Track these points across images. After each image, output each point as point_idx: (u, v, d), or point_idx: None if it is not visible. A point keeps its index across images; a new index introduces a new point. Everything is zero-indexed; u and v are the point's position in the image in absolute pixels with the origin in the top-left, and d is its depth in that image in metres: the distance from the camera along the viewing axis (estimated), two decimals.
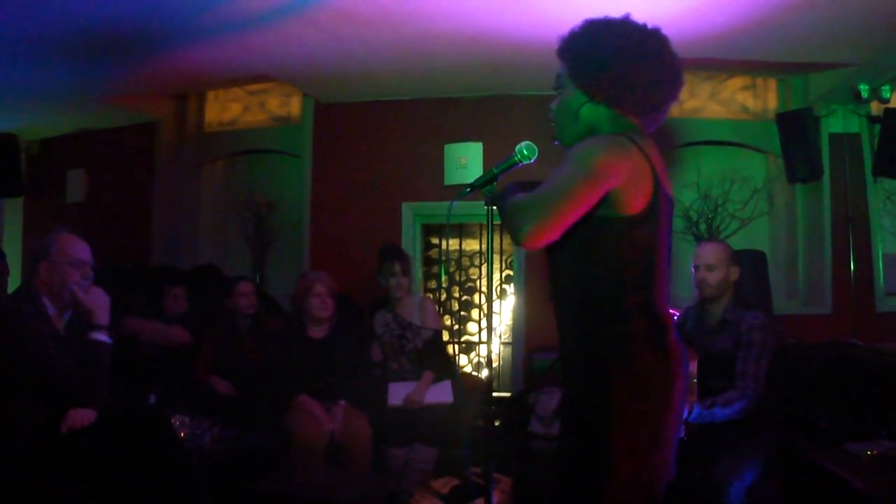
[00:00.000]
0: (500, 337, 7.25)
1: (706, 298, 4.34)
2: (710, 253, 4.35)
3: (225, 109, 7.91)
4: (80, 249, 3.84)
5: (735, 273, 4.34)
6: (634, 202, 2.28)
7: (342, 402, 5.10)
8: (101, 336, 3.75)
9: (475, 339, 7.37)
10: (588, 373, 2.36)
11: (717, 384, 4.06)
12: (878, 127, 6.05)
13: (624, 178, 2.26)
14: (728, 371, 4.08)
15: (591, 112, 2.48)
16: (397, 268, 5.49)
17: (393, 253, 5.57)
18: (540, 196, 2.22)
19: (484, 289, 7.24)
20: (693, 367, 4.01)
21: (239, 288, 5.78)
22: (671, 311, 2.45)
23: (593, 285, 2.35)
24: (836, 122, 6.51)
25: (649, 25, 2.47)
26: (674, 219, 2.51)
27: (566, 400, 2.58)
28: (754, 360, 4.04)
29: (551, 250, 2.51)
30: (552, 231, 2.21)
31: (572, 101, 2.50)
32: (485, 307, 7.05)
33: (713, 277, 4.28)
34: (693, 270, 4.39)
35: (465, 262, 7.43)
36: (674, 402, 2.31)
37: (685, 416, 3.90)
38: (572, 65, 2.49)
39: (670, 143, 6.61)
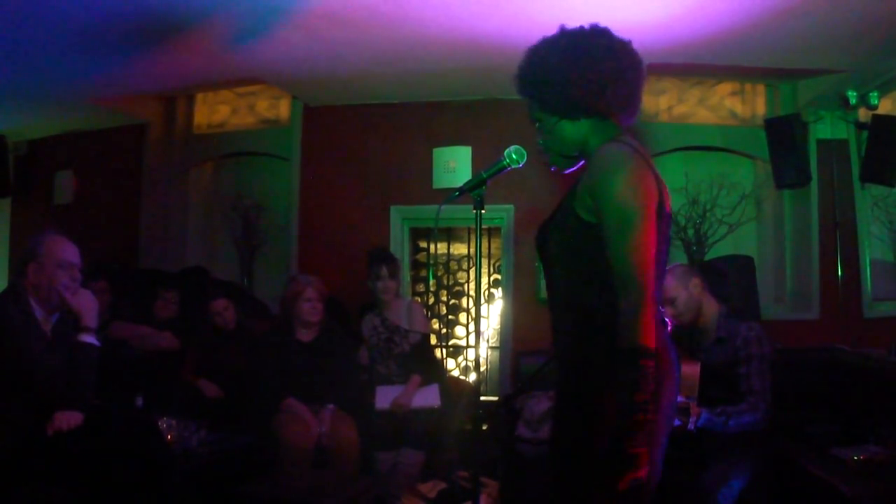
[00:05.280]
0: (487, 341, 7.25)
1: (687, 324, 4.30)
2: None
3: (213, 112, 7.90)
4: (69, 252, 3.82)
5: (697, 285, 4.26)
6: None
7: (330, 406, 5.10)
8: (89, 338, 3.74)
9: (463, 342, 7.37)
10: (580, 375, 2.36)
11: (716, 394, 4.05)
12: (865, 133, 6.05)
13: (655, 194, 2.29)
14: (727, 382, 4.08)
15: (574, 129, 2.48)
16: (385, 271, 5.47)
17: (381, 256, 5.56)
18: (623, 269, 2.19)
19: (472, 292, 7.24)
20: (695, 370, 4.03)
21: (212, 307, 5.74)
22: (663, 315, 2.45)
23: (585, 289, 2.35)
24: (824, 129, 6.53)
25: (588, 25, 2.47)
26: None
27: (558, 401, 2.58)
28: (758, 375, 4.02)
29: (545, 254, 2.52)
30: (653, 287, 2.20)
31: (553, 127, 2.50)
32: (472, 311, 7.08)
33: (679, 307, 4.23)
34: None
35: (453, 265, 7.44)
36: (663, 404, 2.31)
37: (693, 424, 3.92)
38: (538, 96, 2.49)
39: (659, 148, 6.62)
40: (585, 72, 2.37)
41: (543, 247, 2.55)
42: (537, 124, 2.56)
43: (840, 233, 6.45)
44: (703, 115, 6.89)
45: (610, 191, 2.25)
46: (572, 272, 2.40)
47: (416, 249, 7.53)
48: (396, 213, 7.12)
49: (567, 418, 2.46)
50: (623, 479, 2.11)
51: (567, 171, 2.60)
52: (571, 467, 2.37)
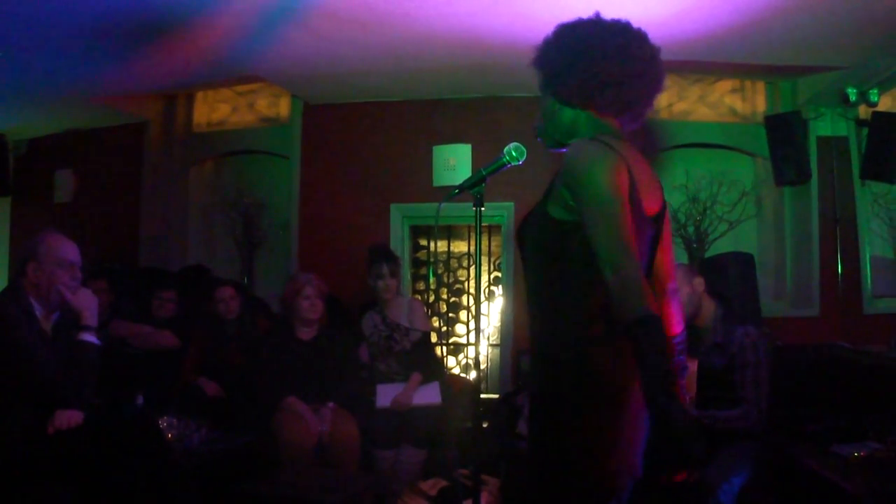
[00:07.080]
0: (488, 338, 7.25)
1: (687, 318, 4.28)
2: None
3: (213, 110, 7.89)
4: (69, 250, 3.82)
5: (700, 284, 4.27)
6: None
7: (330, 404, 5.10)
8: (89, 337, 3.74)
9: (463, 340, 7.37)
10: (547, 375, 2.37)
11: (712, 394, 4.09)
12: (865, 130, 6.06)
13: (625, 185, 2.27)
14: (724, 386, 4.10)
15: (569, 116, 2.48)
16: (386, 269, 5.47)
17: (382, 254, 5.56)
18: (609, 251, 2.16)
19: (472, 290, 7.22)
20: (693, 367, 4.06)
21: (218, 294, 5.73)
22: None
23: (556, 288, 2.36)
24: (824, 125, 6.53)
25: (620, 21, 2.45)
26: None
27: (532, 398, 2.59)
28: (751, 383, 4.03)
29: (523, 252, 2.52)
30: (638, 268, 2.18)
31: (548, 107, 2.52)
32: (473, 309, 7.06)
33: (682, 300, 4.22)
34: None
35: (454, 263, 7.43)
36: (631, 403, 2.28)
37: None
38: (543, 74, 2.51)
39: (659, 145, 6.62)
40: (593, 67, 2.36)
41: (521, 246, 2.55)
42: (541, 96, 2.57)
43: (840, 229, 6.45)
44: (703, 113, 6.89)
45: (588, 185, 2.23)
46: (544, 271, 2.40)
47: (417, 247, 7.53)
48: (397, 211, 7.11)
49: (539, 415, 2.46)
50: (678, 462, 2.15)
51: (553, 151, 2.60)
52: (546, 465, 2.36)
